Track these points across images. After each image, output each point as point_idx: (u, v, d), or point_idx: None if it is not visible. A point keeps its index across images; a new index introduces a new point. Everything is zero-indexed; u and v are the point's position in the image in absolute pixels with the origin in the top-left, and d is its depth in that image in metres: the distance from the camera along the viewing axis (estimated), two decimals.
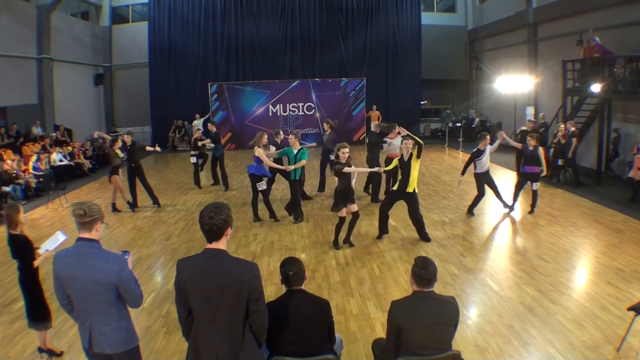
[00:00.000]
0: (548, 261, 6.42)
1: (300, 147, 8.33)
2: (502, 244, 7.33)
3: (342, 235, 7.21)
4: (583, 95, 12.26)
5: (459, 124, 19.22)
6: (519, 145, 9.27)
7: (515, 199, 8.79)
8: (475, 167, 8.60)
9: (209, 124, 11.70)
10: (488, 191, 8.82)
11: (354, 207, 7.01)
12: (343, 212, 6.96)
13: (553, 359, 4.15)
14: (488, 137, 8.57)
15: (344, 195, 6.88)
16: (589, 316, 4.86)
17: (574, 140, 10.92)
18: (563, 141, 11.06)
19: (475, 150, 8.57)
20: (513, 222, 8.36)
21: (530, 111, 15.61)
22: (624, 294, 5.32)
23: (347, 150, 6.85)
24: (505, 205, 8.81)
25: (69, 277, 2.77)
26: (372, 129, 10.07)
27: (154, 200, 9.81)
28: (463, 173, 8.70)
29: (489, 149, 8.49)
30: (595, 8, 12.43)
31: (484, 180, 8.62)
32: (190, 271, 2.60)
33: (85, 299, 2.78)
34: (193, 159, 11.45)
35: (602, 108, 11.38)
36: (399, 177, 7.20)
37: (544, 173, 8.99)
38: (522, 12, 15.81)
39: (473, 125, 19.40)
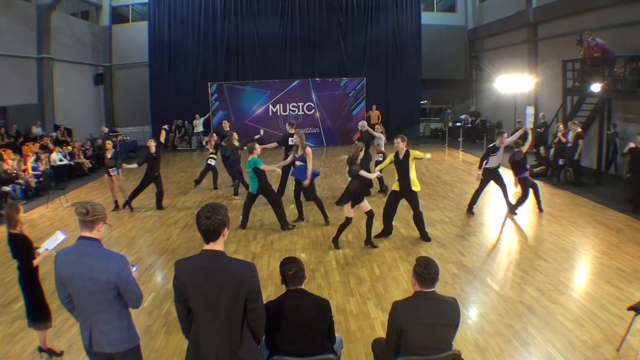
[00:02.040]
0: (548, 261, 6.41)
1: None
2: (502, 243, 7.33)
3: (340, 234, 7.21)
4: (583, 95, 12.26)
5: (458, 124, 19.18)
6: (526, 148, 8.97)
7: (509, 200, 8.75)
8: (487, 161, 8.66)
9: (224, 121, 11.76)
10: (486, 191, 8.84)
11: (366, 207, 6.92)
12: (350, 212, 6.89)
13: (553, 359, 4.15)
14: (505, 134, 8.69)
15: (354, 195, 6.80)
16: (589, 316, 4.86)
17: (581, 142, 10.87)
18: (564, 140, 11.06)
19: (491, 145, 8.65)
20: (513, 222, 8.36)
21: (530, 111, 15.61)
22: (624, 294, 5.32)
23: (364, 149, 6.85)
24: (510, 205, 8.81)
25: (70, 275, 2.78)
26: (360, 127, 10.30)
27: (158, 205, 9.77)
28: (480, 167, 8.74)
29: (503, 146, 8.54)
30: (595, 8, 12.42)
31: (491, 177, 8.64)
32: (188, 272, 2.61)
33: (86, 297, 2.79)
34: (211, 162, 11.12)
35: (602, 108, 11.38)
36: (396, 176, 7.18)
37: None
38: (522, 11, 15.81)
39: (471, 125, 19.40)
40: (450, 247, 7.09)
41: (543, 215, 8.63)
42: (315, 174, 8.27)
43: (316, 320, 3.09)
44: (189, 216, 9.07)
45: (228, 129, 11.50)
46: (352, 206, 6.87)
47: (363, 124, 10.50)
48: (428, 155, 7.21)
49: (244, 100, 18.33)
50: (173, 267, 2.71)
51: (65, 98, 16.72)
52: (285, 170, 9.63)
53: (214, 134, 11.58)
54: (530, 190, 8.64)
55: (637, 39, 10.96)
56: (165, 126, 10.01)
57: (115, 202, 9.65)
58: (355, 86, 18.54)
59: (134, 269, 2.95)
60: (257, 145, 7.79)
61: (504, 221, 8.41)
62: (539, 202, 8.81)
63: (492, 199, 9.62)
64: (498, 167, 8.65)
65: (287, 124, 10.33)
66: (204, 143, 11.35)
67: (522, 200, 8.61)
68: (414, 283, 3.07)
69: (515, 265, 6.35)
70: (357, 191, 6.80)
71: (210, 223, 2.57)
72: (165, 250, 7.27)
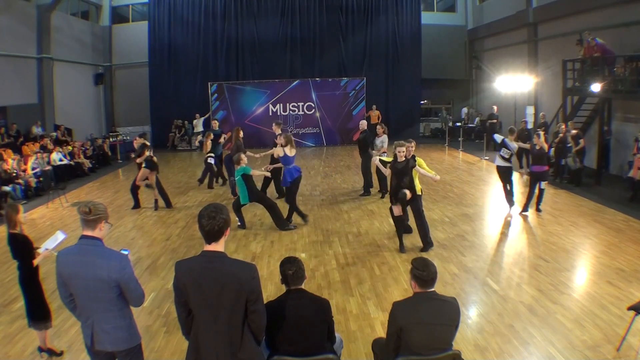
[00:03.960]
0: (548, 261, 6.42)
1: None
2: (502, 243, 7.33)
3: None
4: (583, 94, 12.26)
5: (458, 123, 19.12)
6: (527, 145, 9.18)
7: (529, 201, 8.63)
8: (495, 159, 8.84)
9: (213, 121, 11.81)
10: (486, 191, 8.84)
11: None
12: (397, 210, 6.76)
13: (553, 359, 4.15)
14: (515, 133, 8.91)
15: (394, 194, 6.74)
16: (589, 316, 4.86)
17: (582, 141, 10.95)
18: (571, 142, 11.10)
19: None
20: (513, 221, 8.36)
21: (530, 111, 15.60)
22: (624, 294, 5.33)
23: (403, 149, 6.63)
24: (510, 204, 8.80)
25: (72, 274, 2.79)
26: (361, 127, 10.30)
27: (167, 203, 9.76)
28: (522, 166, 8.92)
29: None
30: (595, 8, 12.42)
31: (507, 175, 8.71)
32: (189, 273, 2.60)
33: (88, 296, 2.80)
34: (211, 160, 11.09)
35: (602, 108, 11.39)
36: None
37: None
38: (522, 11, 15.81)
39: (472, 125, 19.37)
40: (450, 247, 7.09)
41: (542, 215, 8.63)
42: (294, 177, 8.10)
43: (316, 320, 3.09)
44: (189, 216, 9.07)
45: (218, 128, 11.58)
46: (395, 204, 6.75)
47: (363, 124, 10.49)
48: (437, 177, 7.03)
49: (244, 100, 18.34)
50: (173, 267, 2.70)
51: (65, 98, 16.71)
52: (275, 171, 9.45)
53: (211, 134, 11.62)
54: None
55: (637, 39, 10.95)
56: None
57: (156, 201, 9.64)
58: (355, 86, 18.54)
59: (126, 252, 2.90)
60: (242, 156, 8.00)
61: (504, 221, 8.41)
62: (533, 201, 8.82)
63: (493, 198, 9.62)
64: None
65: (273, 124, 10.04)
66: (196, 143, 11.34)
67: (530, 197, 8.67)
68: (414, 286, 3.06)
69: (515, 265, 6.35)
70: (394, 189, 6.69)
71: (214, 223, 2.55)
72: (165, 250, 7.27)
